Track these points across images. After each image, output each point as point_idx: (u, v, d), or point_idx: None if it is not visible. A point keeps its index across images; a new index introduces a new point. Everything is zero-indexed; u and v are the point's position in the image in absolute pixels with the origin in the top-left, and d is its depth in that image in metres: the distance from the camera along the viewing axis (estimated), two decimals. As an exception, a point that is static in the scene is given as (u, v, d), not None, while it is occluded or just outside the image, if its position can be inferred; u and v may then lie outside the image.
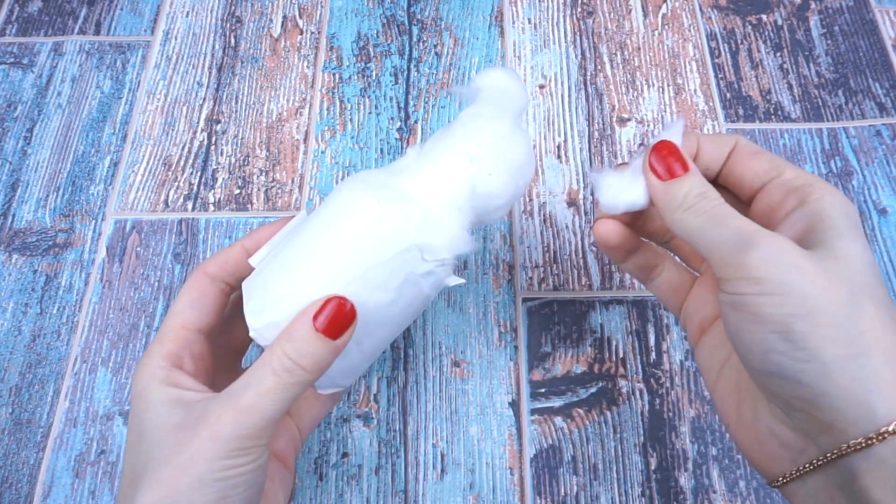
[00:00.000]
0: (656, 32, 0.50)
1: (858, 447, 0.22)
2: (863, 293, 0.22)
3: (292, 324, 0.26)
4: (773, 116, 0.47)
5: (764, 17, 0.51)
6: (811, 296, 0.22)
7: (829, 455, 0.23)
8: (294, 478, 0.31)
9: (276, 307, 0.27)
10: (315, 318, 0.26)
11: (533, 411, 0.38)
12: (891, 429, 0.21)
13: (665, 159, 0.27)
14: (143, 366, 0.27)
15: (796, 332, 0.22)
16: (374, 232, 0.28)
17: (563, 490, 0.37)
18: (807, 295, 0.22)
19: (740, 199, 0.29)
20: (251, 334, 0.27)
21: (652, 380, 0.39)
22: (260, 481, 0.26)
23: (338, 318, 0.26)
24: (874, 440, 0.21)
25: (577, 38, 0.50)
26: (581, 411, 0.38)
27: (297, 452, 0.32)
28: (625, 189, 0.29)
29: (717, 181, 0.29)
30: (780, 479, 0.25)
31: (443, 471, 0.37)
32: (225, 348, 0.32)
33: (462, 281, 0.31)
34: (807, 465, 0.24)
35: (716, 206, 0.25)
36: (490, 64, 0.49)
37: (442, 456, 0.37)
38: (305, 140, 0.47)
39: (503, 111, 0.30)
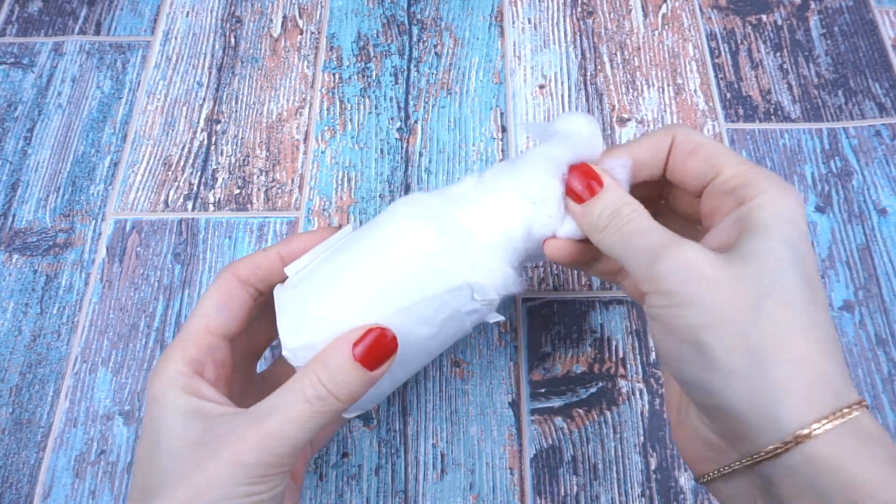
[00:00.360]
0: (656, 32, 0.50)
1: (768, 455, 0.21)
2: (770, 296, 0.22)
3: (329, 349, 0.25)
4: (773, 116, 0.47)
5: (764, 17, 0.51)
6: (716, 305, 0.22)
7: (743, 461, 0.23)
8: (301, 490, 0.31)
9: (314, 328, 0.26)
10: (354, 346, 0.25)
11: (533, 411, 0.38)
12: (797, 438, 0.20)
13: (582, 180, 0.27)
14: (163, 368, 0.26)
15: (703, 342, 0.22)
16: (428, 266, 0.27)
17: (563, 490, 0.37)
18: (712, 304, 0.22)
19: (695, 196, 0.28)
20: (284, 353, 0.26)
21: (652, 380, 0.39)
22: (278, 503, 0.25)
23: (378, 349, 0.25)
24: (781, 449, 0.21)
25: (577, 38, 0.50)
26: (581, 411, 0.38)
27: (306, 465, 0.32)
28: (558, 222, 0.29)
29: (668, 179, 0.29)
30: (707, 476, 0.25)
31: (443, 471, 0.37)
32: (243, 350, 0.31)
33: (502, 318, 0.30)
34: (728, 467, 0.24)
35: (628, 222, 0.25)
36: (490, 64, 0.49)
37: (442, 456, 0.37)
38: (305, 140, 0.47)
39: (576, 158, 0.29)
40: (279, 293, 0.28)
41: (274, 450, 0.23)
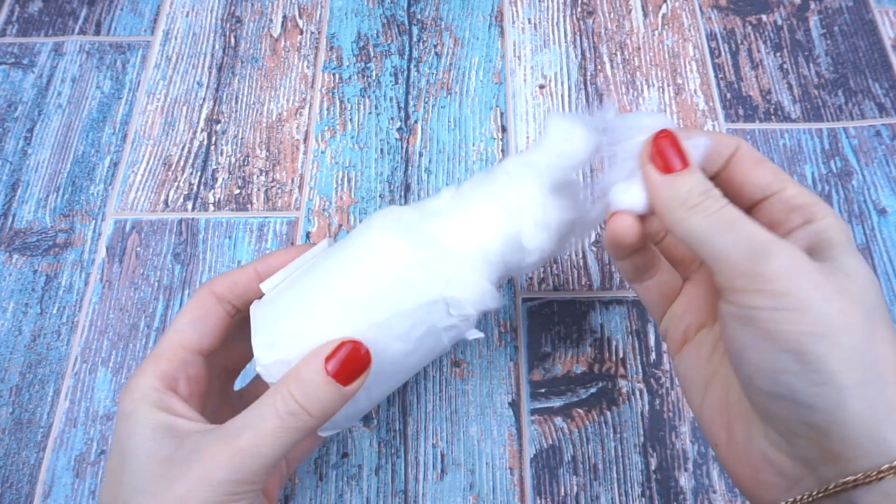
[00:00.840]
0: (656, 32, 0.50)
1: (867, 480, 0.20)
2: (876, 314, 0.21)
3: (302, 364, 0.24)
4: (773, 116, 0.47)
5: (764, 17, 0.51)
6: (829, 315, 0.21)
7: (830, 487, 0.21)
8: None
9: (287, 344, 0.26)
10: (327, 360, 0.24)
11: (533, 411, 0.38)
12: None
13: (665, 151, 0.24)
14: (134, 384, 0.26)
15: (812, 352, 0.20)
16: (402, 279, 0.26)
17: (563, 490, 0.37)
18: (825, 314, 0.21)
19: (745, 206, 0.27)
20: (257, 369, 0.26)
21: (652, 380, 0.39)
22: None
23: (351, 363, 0.24)
24: (885, 474, 0.20)
25: (577, 38, 0.50)
26: (581, 411, 0.38)
27: (281, 486, 0.31)
28: (621, 190, 0.26)
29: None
30: None
31: (443, 471, 0.37)
32: (219, 367, 0.31)
33: (481, 335, 0.29)
34: (803, 496, 0.22)
35: (724, 207, 0.23)
36: (490, 64, 0.49)
37: (442, 456, 0.37)
38: (305, 140, 0.47)
39: (558, 165, 0.28)
40: (254, 309, 0.28)
41: (245, 466, 0.23)
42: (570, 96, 0.48)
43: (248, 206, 0.44)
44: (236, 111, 0.48)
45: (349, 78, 0.49)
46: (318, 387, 0.24)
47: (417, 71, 0.49)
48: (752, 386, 0.22)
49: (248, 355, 0.32)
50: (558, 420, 0.38)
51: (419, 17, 0.52)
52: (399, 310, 0.26)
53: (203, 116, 0.48)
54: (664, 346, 0.40)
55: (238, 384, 0.35)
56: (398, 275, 0.26)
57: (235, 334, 0.31)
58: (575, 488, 0.37)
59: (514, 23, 0.51)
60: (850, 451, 0.20)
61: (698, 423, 0.27)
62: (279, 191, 0.45)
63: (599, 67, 0.49)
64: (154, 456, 0.23)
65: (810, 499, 0.22)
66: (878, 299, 0.22)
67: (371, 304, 0.26)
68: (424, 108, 0.48)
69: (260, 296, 0.29)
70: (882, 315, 0.21)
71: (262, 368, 0.26)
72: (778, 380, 0.21)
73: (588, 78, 0.49)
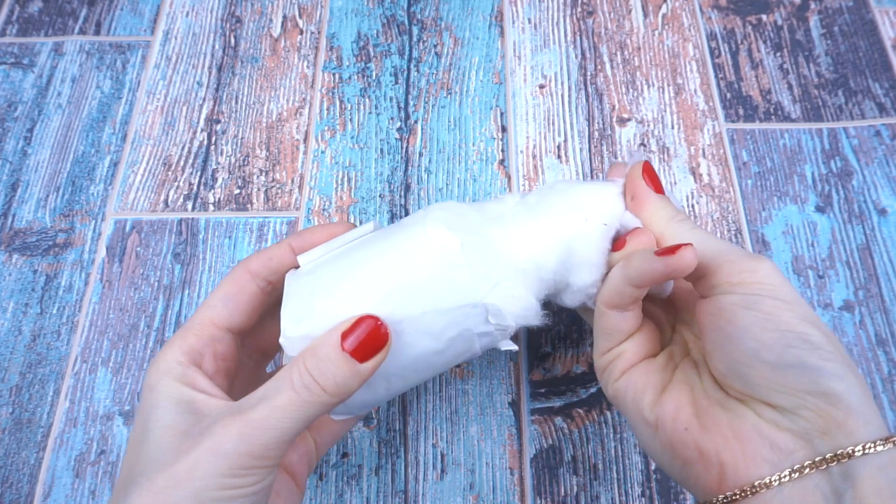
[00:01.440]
0: (656, 32, 0.50)
1: (867, 450, 0.21)
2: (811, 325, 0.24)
3: (319, 340, 0.24)
4: (773, 116, 0.47)
5: (764, 17, 0.51)
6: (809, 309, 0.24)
7: (827, 457, 0.21)
8: (303, 496, 0.30)
9: (316, 320, 0.25)
10: (344, 336, 0.24)
11: (533, 411, 0.38)
12: None
13: (654, 176, 0.29)
14: (161, 357, 0.26)
15: (812, 339, 0.23)
16: (447, 277, 0.26)
17: (563, 490, 0.37)
18: (807, 307, 0.24)
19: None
20: (281, 340, 0.26)
21: (652, 380, 0.39)
22: (263, 501, 0.24)
23: (369, 341, 0.24)
24: (885, 443, 0.20)
25: (577, 37, 0.50)
26: (581, 411, 0.38)
27: (310, 469, 0.30)
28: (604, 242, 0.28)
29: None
30: (751, 488, 0.23)
31: (443, 471, 0.37)
32: (252, 346, 0.31)
33: (515, 348, 0.29)
34: (793, 469, 0.22)
35: (697, 224, 0.28)
36: (490, 64, 0.49)
37: (442, 456, 0.37)
38: (305, 140, 0.47)
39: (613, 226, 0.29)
40: (289, 278, 0.27)
41: (255, 439, 0.22)
42: (569, 96, 0.48)
43: (248, 206, 0.44)
44: (236, 111, 0.48)
45: (349, 78, 0.49)
46: (333, 363, 0.23)
47: (417, 71, 0.49)
48: (756, 362, 0.23)
49: None
50: (558, 420, 0.38)
51: (419, 16, 0.52)
52: (437, 307, 0.26)
53: (203, 116, 0.48)
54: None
55: (271, 367, 0.34)
56: (444, 272, 0.26)
57: (270, 314, 0.30)
58: (575, 488, 0.37)
59: (514, 22, 0.51)
60: (852, 421, 0.21)
61: (651, 422, 0.26)
62: (279, 191, 0.45)
63: (599, 67, 0.49)
64: (171, 429, 0.23)
65: (798, 472, 0.22)
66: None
67: (410, 296, 0.26)
68: (424, 108, 0.48)
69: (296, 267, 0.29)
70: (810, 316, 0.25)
71: (286, 340, 0.25)
72: (788, 352, 0.23)
73: (588, 78, 0.48)
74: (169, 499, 0.22)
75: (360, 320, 0.24)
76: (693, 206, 0.44)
